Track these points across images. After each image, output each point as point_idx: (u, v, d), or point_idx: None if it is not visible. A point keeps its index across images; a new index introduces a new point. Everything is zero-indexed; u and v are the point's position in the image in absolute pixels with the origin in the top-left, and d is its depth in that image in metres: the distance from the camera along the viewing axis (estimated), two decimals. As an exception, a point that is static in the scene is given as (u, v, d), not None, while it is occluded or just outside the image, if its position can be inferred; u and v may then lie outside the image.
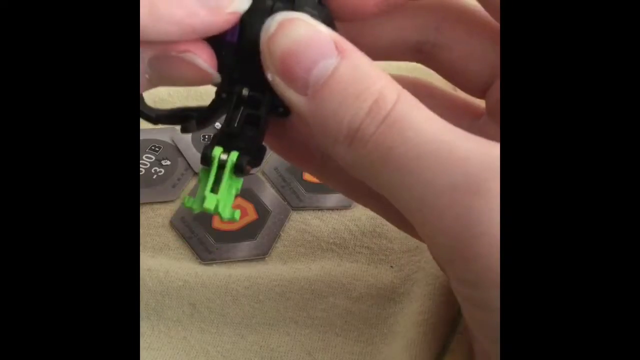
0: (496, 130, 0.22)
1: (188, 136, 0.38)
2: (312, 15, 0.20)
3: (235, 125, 0.21)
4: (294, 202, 0.35)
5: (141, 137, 0.38)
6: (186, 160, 0.37)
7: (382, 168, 0.18)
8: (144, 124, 0.38)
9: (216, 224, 0.34)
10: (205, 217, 0.34)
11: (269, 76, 0.19)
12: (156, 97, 0.39)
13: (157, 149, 0.37)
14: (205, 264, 0.32)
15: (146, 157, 0.37)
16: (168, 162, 0.37)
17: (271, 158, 0.37)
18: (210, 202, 0.20)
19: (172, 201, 0.35)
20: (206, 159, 0.20)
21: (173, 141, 0.38)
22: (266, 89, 0.20)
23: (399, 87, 0.19)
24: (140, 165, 0.36)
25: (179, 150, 0.37)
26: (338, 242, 0.33)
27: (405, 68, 0.27)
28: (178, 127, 0.38)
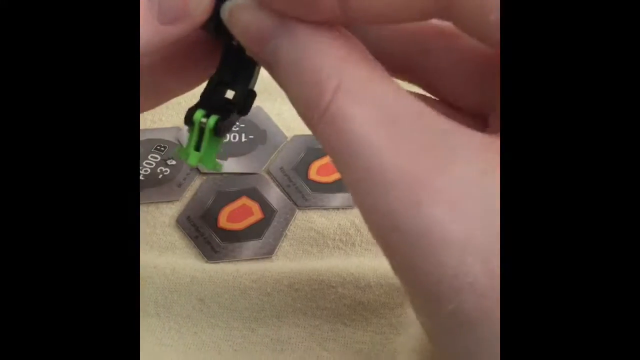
0: None
1: (193, 136, 0.38)
2: None
3: (227, 75, 0.22)
4: (299, 202, 0.35)
5: (146, 137, 0.38)
6: (191, 160, 0.37)
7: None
8: (148, 124, 0.39)
9: (222, 223, 0.34)
10: (211, 217, 0.34)
11: None
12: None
13: (162, 148, 0.37)
14: (211, 263, 0.32)
15: (152, 156, 0.37)
16: (173, 162, 0.37)
17: (277, 158, 0.37)
18: (193, 159, 0.23)
19: (177, 201, 0.35)
20: (187, 122, 0.23)
21: (178, 141, 0.38)
22: None
23: (346, 66, 0.18)
24: (146, 165, 0.36)
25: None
26: (345, 239, 0.33)
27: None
28: (183, 127, 0.38)
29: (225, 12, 0.20)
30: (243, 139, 0.38)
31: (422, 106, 0.17)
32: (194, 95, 0.40)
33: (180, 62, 0.24)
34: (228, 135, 0.38)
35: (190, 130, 0.23)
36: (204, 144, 0.23)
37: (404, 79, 0.22)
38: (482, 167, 0.16)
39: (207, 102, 0.23)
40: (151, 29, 0.20)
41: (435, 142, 0.17)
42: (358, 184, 0.17)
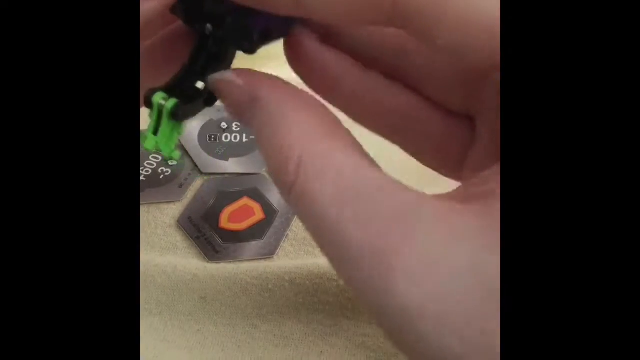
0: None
1: (194, 136, 0.38)
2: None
3: (199, 63, 0.22)
4: (300, 202, 0.35)
5: (148, 138, 0.38)
6: (192, 161, 0.37)
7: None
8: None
9: (223, 223, 0.34)
10: (213, 217, 0.34)
11: None
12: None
13: (163, 149, 0.37)
14: (212, 263, 0.32)
15: (153, 157, 0.37)
16: (174, 163, 0.37)
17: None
18: (149, 143, 0.22)
19: (179, 201, 0.35)
20: (147, 103, 0.22)
21: (179, 141, 0.38)
22: (229, 24, 0.21)
23: (310, 139, 0.18)
24: (147, 166, 0.36)
25: (185, 150, 0.37)
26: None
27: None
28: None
29: (211, 81, 0.21)
30: (244, 140, 0.38)
31: (383, 178, 0.17)
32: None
33: (179, 58, 0.24)
34: (229, 135, 0.38)
35: (150, 114, 0.22)
36: (161, 128, 0.22)
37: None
38: (446, 236, 0.16)
39: (174, 88, 0.22)
40: None
41: (398, 214, 0.16)
42: (330, 260, 0.17)
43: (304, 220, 0.17)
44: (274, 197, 0.35)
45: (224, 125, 0.39)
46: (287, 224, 0.34)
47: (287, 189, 0.17)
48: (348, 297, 0.29)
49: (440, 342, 0.15)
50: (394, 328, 0.16)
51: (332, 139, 0.18)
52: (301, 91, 0.19)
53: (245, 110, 0.19)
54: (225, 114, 0.39)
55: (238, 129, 0.39)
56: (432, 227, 0.16)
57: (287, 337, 0.29)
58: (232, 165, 0.37)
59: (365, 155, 0.18)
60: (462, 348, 0.15)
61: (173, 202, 0.35)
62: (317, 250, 0.33)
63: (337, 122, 0.19)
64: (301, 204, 0.17)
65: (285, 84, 0.19)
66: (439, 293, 0.15)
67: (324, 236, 0.17)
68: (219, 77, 0.20)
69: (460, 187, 0.18)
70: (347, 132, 0.19)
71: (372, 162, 0.18)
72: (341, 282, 0.30)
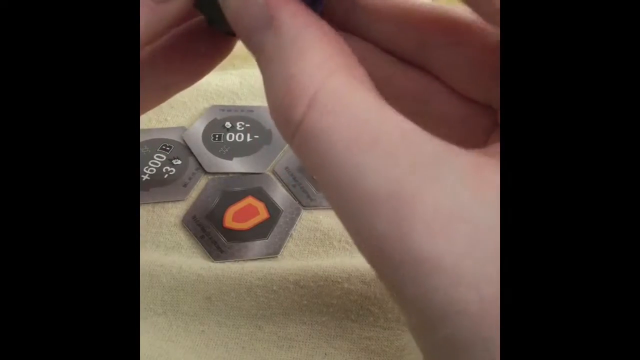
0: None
1: (198, 136, 0.38)
2: None
3: None
4: (305, 201, 0.35)
5: (152, 137, 0.38)
6: (197, 160, 0.37)
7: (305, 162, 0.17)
8: (153, 124, 0.39)
9: (227, 223, 0.34)
10: (217, 217, 0.34)
11: None
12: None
13: (167, 148, 0.37)
14: (217, 262, 0.32)
15: (157, 156, 0.37)
16: (179, 162, 0.37)
17: (282, 158, 0.37)
18: None
19: (183, 200, 0.35)
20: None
21: (183, 140, 0.38)
22: None
23: (325, 73, 0.16)
24: (152, 165, 0.36)
25: (189, 149, 0.37)
26: (350, 240, 0.33)
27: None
28: (188, 127, 0.38)
29: None
30: (248, 139, 0.38)
31: (406, 124, 0.16)
32: (198, 94, 0.40)
33: (181, 55, 0.24)
34: (233, 135, 0.38)
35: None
36: None
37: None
38: (474, 191, 0.15)
39: None
40: (147, 11, 0.19)
41: (423, 162, 0.15)
42: (338, 205, 0.16)
43: (311, 162, 0.16)
44: (278, 196, 0.35)
45: (228, 124, 0.39)
46: (291, 223, 0.34)
47: (293, 126, 0.16)
48: (352, 299, 0.29)
49: (451, 294, 0.15)
50: (402, 279, 0.15)
51: (351, 76, 0.16)
52: (322, 21, 0.17)
53: (257, 31, 0.17)
54: (228, 114, 0.39)
55: (242, 128, 0.39)
56: (460, 179, 0.15)
57: (291, 339, 0.29)
58: (236, 165, 0.37)
59: (384, 100, 0.17)
60: (478, 305, 0.15)
61: (177, 201, 0.35)
62: (321, 250, 0.33)
63: (356, 60, 0.17)
64: (310, 145, 0.16)
65: (307, 10, 0.17)
66: (459, 248, 0.15)
67: (338, 183, 0.16)
68: None
69: (496, 144, 0.17)
70: (366, 73, 0.17)
71: (392, 108, 0.17)
72: (345, 285, 0.30)
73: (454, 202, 0.15)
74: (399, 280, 0.15)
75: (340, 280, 0.30)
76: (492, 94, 0.20)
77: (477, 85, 0.20)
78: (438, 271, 0.15)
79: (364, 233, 0.16)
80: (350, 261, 0.31)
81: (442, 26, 0.21)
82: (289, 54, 0.16)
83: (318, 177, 0.16)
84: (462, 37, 0.20)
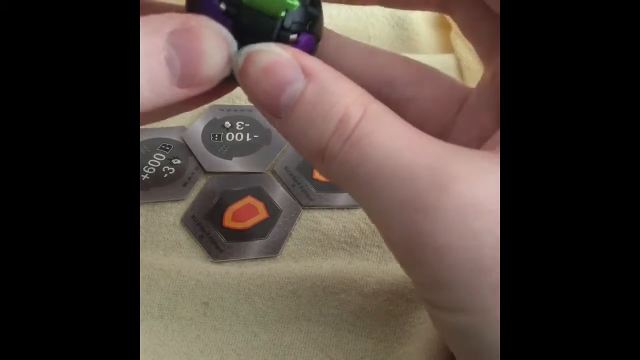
0: (484, 112, 0.22)
1: (198, 135, 0.38)
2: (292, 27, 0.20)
3: None
4: (304, 201, 0.35)
5: (152, 136, 0.38)
6: (196, 159, 0.37)
7: (349, 182, 0.19)
8: (153, 124, 0.39)
9: (227, 222, 0.34)
10: (216, 216, 0.34)
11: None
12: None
13: (167, 148, 0.37)
14: (217, 262, 0.32)
15: (157, 156, 0.37)
16: (179, 161, 0.37)
17: (281, 157, 0.37)
18: None
19: (183, 200, 0.35)
20: None
21: (183, 140, 0.38)
22: None
23: (368, 100, 0.19)
24: (151, 165, 0.36)
25: (189, 149, 0.37)
26: (349, 240, 0.33)
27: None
28: (187, 127, 0.38)
29: (241, 57, 0.20)
30: (248, 139, 0.38)
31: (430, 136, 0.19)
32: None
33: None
34: (233, 134, 0.38)
35: None
36: None
37: (441, 11, 0.24)
38: (496, 163, 0.18)
39: None
40: (167, 92, 0.19)
41: (451, 152, 0.19)
42: (375, 180, 0.19)
43: (356, 160, 0.19)
44: (278, 196, 0.35)
45: (227, 124, 0.39)
46: (290, 223, 0.34)
47: (346, 133, 0.19)
48: (349, 310, 0.29)
49: (494, 233, 0.17)
50: (444, 227, 0.17)
51: (382, 104, 0.20)
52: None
53: (289, 83, 0.19)
54: (228, 113, 0.39)
55: (241, 128, 0.38)
56: (483, 156, 0.19)
57: (287, 347, 0.29)
58: (235, 164, 0.37)
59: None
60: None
61: (177, 200, 0.35)
62: (320, 250, 0.33)
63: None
64: (362, 145, 0.19)
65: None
66: (492, 194, 0.18)
67: (385, 161, 0.18)
68: (259, 46, 0.20)
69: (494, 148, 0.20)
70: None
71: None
72: (342, 296, 0.30)
73: (482, 171, 0.18)
74: (439, 228, 0.18)
75: (338, 291, 0.30)
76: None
77: (444, 120, 0.24)
78: (482, 215, 0.17)
79: (400, 197, 0.18)
80: (348, 271, 0.31)
81: (407, 63, 0.24)
82: (333, 89, 0.19)
83: (362, 169, 0.19)
84: (424, 74, 0.24)
